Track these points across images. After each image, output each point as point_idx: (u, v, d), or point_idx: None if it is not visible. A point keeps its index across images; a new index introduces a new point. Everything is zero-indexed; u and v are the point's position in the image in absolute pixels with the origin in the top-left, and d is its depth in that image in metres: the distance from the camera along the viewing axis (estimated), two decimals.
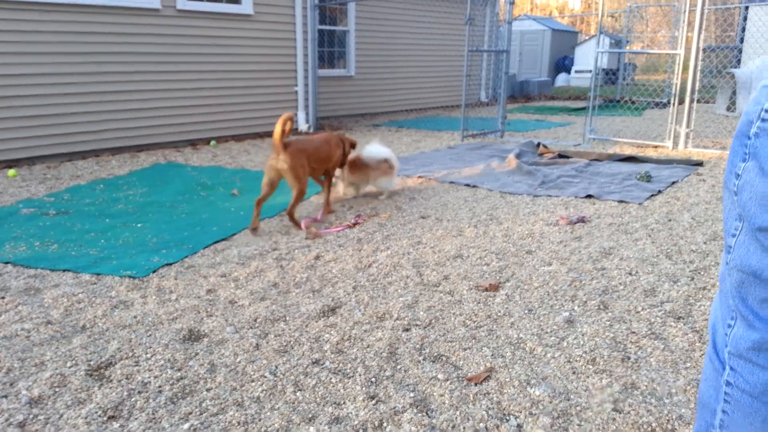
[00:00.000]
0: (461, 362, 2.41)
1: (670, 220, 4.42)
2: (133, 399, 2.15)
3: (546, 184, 5.68)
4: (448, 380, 2.26)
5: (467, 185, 5.68)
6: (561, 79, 21.02)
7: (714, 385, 1.18)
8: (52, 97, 6.48)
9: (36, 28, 6.25)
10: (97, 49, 6.79)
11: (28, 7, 6.15)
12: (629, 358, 2.43)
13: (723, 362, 1.16)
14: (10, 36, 6.08)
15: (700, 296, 3.04)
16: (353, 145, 5.01)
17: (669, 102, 9.45)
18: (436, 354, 2.47)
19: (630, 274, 3.36)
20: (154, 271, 3.39)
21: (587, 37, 23.81)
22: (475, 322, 2.77)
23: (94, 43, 6.75)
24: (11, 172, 5.88)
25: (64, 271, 3.40)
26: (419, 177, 6.03)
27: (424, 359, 2.43)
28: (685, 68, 7.82)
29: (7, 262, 3.50)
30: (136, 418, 2.04)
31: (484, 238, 4.04)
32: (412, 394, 2.17)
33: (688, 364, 2.38)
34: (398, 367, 2.37)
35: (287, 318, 2.81)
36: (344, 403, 2.13)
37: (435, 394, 2.18)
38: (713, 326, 1.21)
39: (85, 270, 3.38)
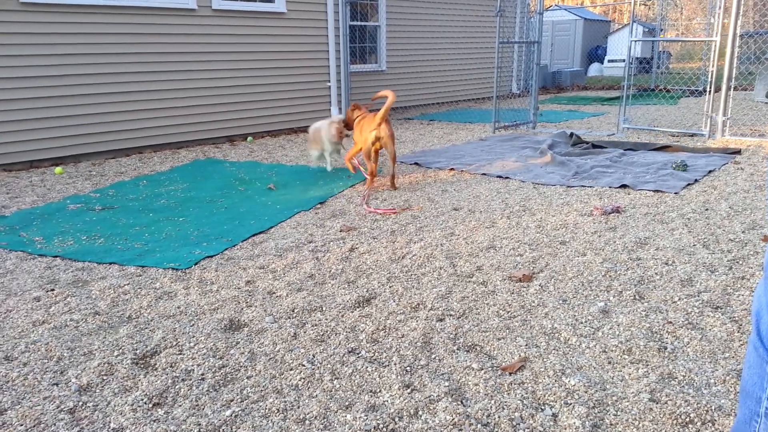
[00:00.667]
0: (495, 352, 2.43)
1: (707, 210, 4.36)
2: (177, 386, 2.23)
3: (579, 174, 5.63)
4: (482, 369, 2.29)
5: (499, 177, 5.67)
6: (594, 69, 20.69)
7: (758, 372, 1.17)
8: (96, 96, 6.67)
9: (78, 30, 6.44)
10: (137, 50, 6.95)
11: (69, 10, 6.34)
12: (666, 348, 2.42)
13: (767, 349, 1.15)
14: (54, 38, 6.27)
15: (739, 286, 3.01)
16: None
17: (705, 90, 9.25)
18: (470, 344, 2.50)
19: (666, 264, 3.33)
20: (196, 263, 3.49)
21: (620, 26, 23.36)
22: (508, 312, 2.79)
23: (135, 44, 6.92)
24: (58, 169, 6.08)
25: (110, 263, 3.52)
26: (451, 169, 6.04)
27: (458, 349, 2.46)
28: (722, 55, 7.64)
29: (56, 256, 3.65)
30: (180, 405, 2.12)
31: (516, 229, 4.04)
32: (446, 383, 2.20)
33: (727, 355, 2.36)
34: (433, 356, 2.41)
35: (323, 308, 2.87)
36: (380, 391, 2.18)
37: (470, 383, 2.21)
38: (757, 313, 1.20)
39: (131, 262, 3.50)
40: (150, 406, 2.11)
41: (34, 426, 2.00)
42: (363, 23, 10.91)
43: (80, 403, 2.13)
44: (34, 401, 2.14)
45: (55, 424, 2.01)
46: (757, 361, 1.18)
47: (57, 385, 2.25)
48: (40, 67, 6.21)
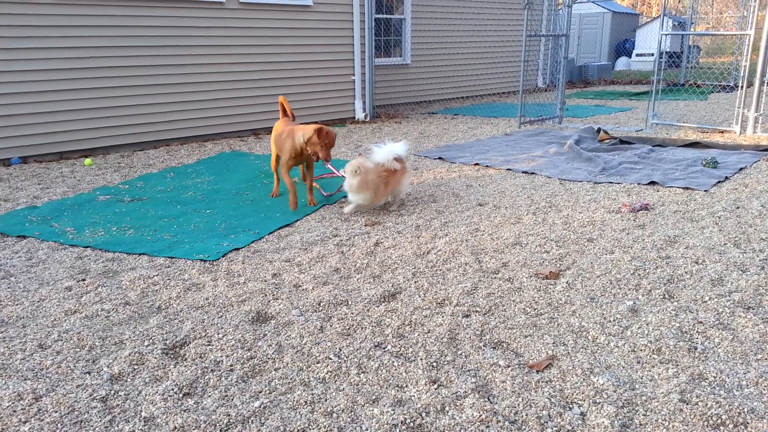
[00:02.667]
0: (522, 349, 2.42)
1: (738, 208, 4.28)
2: (206, 377, 2.26)
3: (607, 170, 5.56)
4: (509, 367, 2.28)
5: (525, 172, 5.62)
6: (621, 63, 20.39)
7: None
8: (124, 89, 6.76)
9: (108, 23, 6.52)
10: (165, 43, 7.02)
11: (96, 2, 6.41)
12: (696, 349, 2.39)
13: None
14: (80, 31, 6.36)
15: None
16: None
17: (736, 85, 9.06)
18: (496, 340, 2.49)
19: (696, 262, 3.28)
20: (223, 255, 3.53)
21: (649, 19, 22.98)
22: (535, 309, 2.77)
23: (162, 37, 6.99)
24: (88, 161, 6.18)
25: (140, 254, 3.58)
26: (475, 164, 6.01)
27: (484, 345, 2.45)
28: (755, 49, 7.47)
29: (86, 246, 3.71)
30: (210, 396, 2.14)
31: (543, 225, 4.01)
32: (473, 380, 2.20)
33: (759, 356, 2.32)
34: (459, 352, 2.41)
35: (349, 302, 2.88)
36: (406, 386, 2.18)
37: (496, 380, 2.20)
38: None
39: (160, 254, 3.55)
40: (180, 395, 2.15)
41: (68, 413, 2.04)
42: (388, 16, 10.88)
43: (112, 392, 2.17)
44: (67, 389, 2.18)
45: (88, 412, 2.05)
46: None
47: (89, 373, 2.29)
48: (68, 60, 6.31)
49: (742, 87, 7.48)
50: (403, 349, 2.44)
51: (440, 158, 6.35)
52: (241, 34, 7.75)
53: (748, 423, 1.93)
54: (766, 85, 7.24)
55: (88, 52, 6.44)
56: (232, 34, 7.65)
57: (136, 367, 2.34)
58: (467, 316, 2.71)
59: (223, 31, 7.56)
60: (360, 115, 9.42)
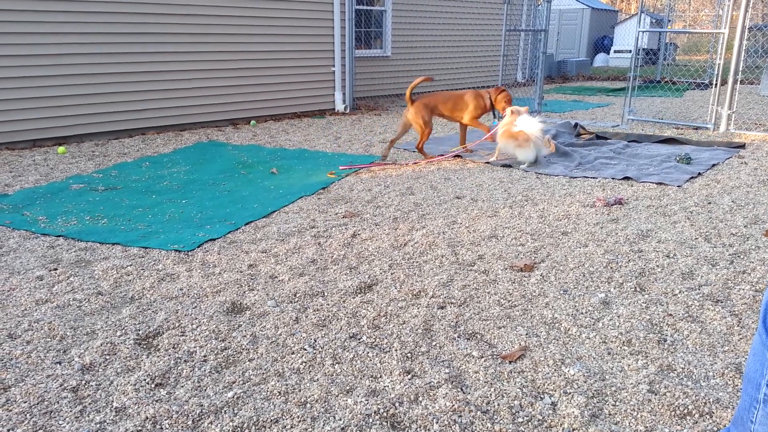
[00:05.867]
0: (496, 340, 2.45)
1: (709, 203, 4.36)
2: (179, 368, 2.25)
3: (583, 165, 5.62)
4: (482, 357, 2.31)
5: (503, 166, 5.66)
6: (600, 59, 20.58)
7: (761, 360, 1.21)
8: (99, 76, 6.65)
9: (81, 8, 6.40)
10: (141, 30, 6.92)
11: None
12: (665, 341, 2.43)
13: None
14: (54, 16, 6.24)
15: (740, 280, 3.01)
16: (507, 101, 5.96)
17: (711, 83, 9.21)
18: (470, 331, 2.52)
19: (668, 256, 3.34)
20: (198, 246, 3.50)
21: (627, 16, 23.21)
22: (509, 301, 2.80)
23: (139, 24, 6.88)
24: (61, 149, 6.08)
25: (113, 244, 3.53)
26: (455, 157, 6.03)
27: (459, 336, 2.47)
28: (729, 48, 7.60)
29: (59, 235, 3.66)
30: (183, 386, 2.13)
31: (519, 218, 4.05)
32: (447, 370, 2.22)
33: (726, 348, 2.38)
34: (433, 343, 2.42)
35: (325, 293, 2.88)
36: (381, 376, 2.19)
37: (470, 370, 2.23)
38: (766, 303, 1.23)
39: (134, 243, 3.52)
40: (152, 386, 2.13)
41: (37, 403, 2.02)
42: (369, 7, 10.84)
43: (83, 382, 2.15)
44: (37, 379, 2.16)
45: (58, 402, 2.03)
46: (760, 349, 1.21)
47: (60, 363, 2.26)
48: (41, 45, 6.19)
49: (716, 85, 7.60)
50: (378, 340, 2.45)
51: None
52: (220, 22, 7.67)
53: (713, 413, 1.97)
54: (739, 83, 7.37)
55: (62, 38, 6.32)
56: (210, 22, 7.56)
57: (108, 357, 2.31)
58: (442, 307, 2.73)
59: (201, 19, 7.47)
60: (340, 106, 9.39)
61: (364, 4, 10.68)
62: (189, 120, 7.61)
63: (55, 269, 3.15)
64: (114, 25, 6.69)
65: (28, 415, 1.96)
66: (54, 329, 2.51)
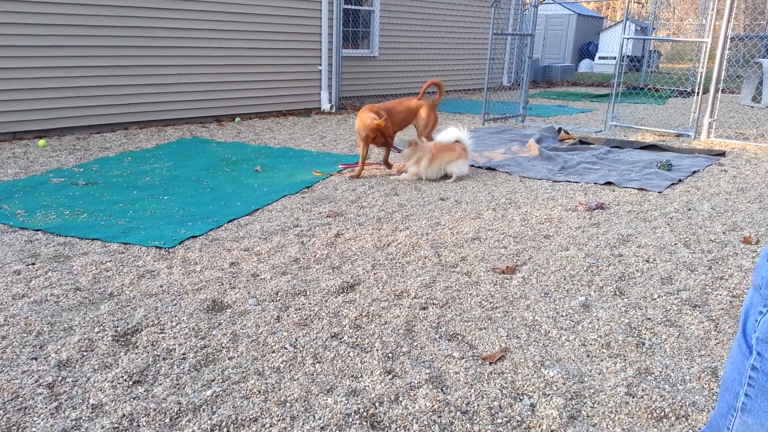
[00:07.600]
0: (477, 342, 2.46)
1: (689, 210, 4.41)
2: (158, 365, 2.22)
3: (566, 169, 5.67)
4: (463, 358, 2.31)
5: (487, 168, 5.69)
6: (584, 65, 20.76)
7: (739, 368, 1.21)
8: (82, 69, 6.57)
9: (67, 0, 6.32)
10: (126, 23, 6.85)
11: None
12: (644, 344, 2.46)
13: (750, 347, 1.19)
14: (35, 7, 6.15)
15: (717, 286, 3.05)
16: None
17: (693, 91, 9.33)
18: (452, 333, 2.52)
19: (647, 261, 3.38)
20: (180, 243, 3.47)
21: (612, 23, 23.44)
22: (491, 303, 2.81)
23: (123, 17, 6.81)
24: (41, 142, 5.99)
25: (93, 239, 3.49)
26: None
27: (440, 337, 2.48)
28: (712, 57, 7.70)
29: (37, 230, 3.60)
30: (161, 384, 2.11)
31: (502, 221, 4.07)
32: (427, 371, 2.22)
33: (703, 352, 2.41)
34: (415, 344, 2.42)
35: (307, 293, 2.87)
36: (361, 376, 2.19)
37: (450, 371, 2.23)
38: (746, 311, 1.23)
39: (114, 239, 3.48)
40: (130, 383, 2.11)
41: (11, 399, 1.99)
42: (357, 7, 10.83)
43: (59, 378, 2.12)
44: (12, 375, 2.12)
45: (33, 398, 2.00)
46: (739, 358, 1.22)
47: (36, 359, 2.23)
48: (21, 36, 6.10)
49: (698, 93, 7.70)
50: (359, 339, 2.45)
51: None
52: (206, 18, 7.62)
53: (689, 416, 1.99)
54: (720, 92, 7.47)
55: (43, 30, 6.24)
56: (196, 17, 7.51)
57: (85, 353, 2.28)
58: (424, 308, 2.74)
59: (187, 14, 7.41)
60: (326, 105, 9.37)
61: (352, 4, 10.67)
62: (172, 116, 7.54)
63: (33, 264, 3.10)
64: (98, 18, 6.62)
65: (1, 411, 1.93)
66: (30, 324, 2.47)
